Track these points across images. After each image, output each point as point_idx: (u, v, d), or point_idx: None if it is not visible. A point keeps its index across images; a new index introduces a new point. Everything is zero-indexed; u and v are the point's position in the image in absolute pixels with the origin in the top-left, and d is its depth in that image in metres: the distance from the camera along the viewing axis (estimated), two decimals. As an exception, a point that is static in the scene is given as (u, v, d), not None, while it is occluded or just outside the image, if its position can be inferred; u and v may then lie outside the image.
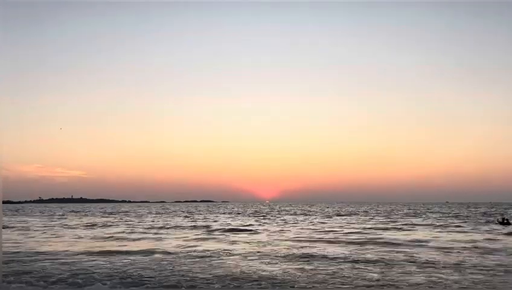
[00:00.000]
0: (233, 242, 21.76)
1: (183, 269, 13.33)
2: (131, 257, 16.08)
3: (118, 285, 11.26)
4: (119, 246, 20.22)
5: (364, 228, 31.14)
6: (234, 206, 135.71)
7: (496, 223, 35.88)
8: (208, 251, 17.97)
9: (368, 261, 14.83)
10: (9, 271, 12.87)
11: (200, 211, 79.74)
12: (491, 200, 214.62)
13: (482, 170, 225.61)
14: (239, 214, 62.51)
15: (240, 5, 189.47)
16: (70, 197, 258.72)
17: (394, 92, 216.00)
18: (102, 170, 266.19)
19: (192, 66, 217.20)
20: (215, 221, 42.02)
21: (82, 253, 17.38)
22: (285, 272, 12.80)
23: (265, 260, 15.17)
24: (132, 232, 28.28)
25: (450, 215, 55.49)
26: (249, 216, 53.58)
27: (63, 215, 60.40)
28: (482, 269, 13.30)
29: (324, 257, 16.03)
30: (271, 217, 49.66)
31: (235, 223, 38.85)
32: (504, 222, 34.66)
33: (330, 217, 51.09)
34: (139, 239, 23.69)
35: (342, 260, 15.10)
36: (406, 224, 36.02)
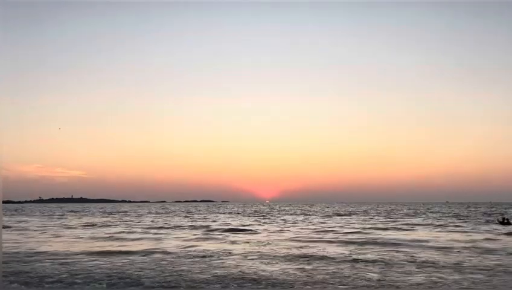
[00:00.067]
0: (233, 242, 21.74)
1: (182, 269, 13.32)
2: (131, 257, 16.06)
3: (118, 285, 11.25)
4: (118, 246, 20.20)
5: (364, 228, 31.13)
6: (234, 206, 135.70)
7: (496, 223, 35.89)
8: (208, 250, 17.96)
9: (367, 261, 14.81)
10: (9, 271, 12.85)
11: (200, 211, 79.74)
12: (491, 200, 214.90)
13: (482, 170, 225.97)
14: (239, 214, 62.50)
15: (240, 5, 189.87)
16: (70, 197, 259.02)
17: (394, 92, 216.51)
18: (102, 170, 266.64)
19: (192, 66, 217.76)
20: (215, 221, 42.01)
21: (81, 253, 17.35)
22: (285, 272, 12.79)
23: (265, 260, 15.16)
24: (132, 232, 28.27)
25: (450, 215, 55.50)
26: (249, 216, 53.57)
27: (62, 215, 60.37)
28: (482, 269, 13.29)
29: (324, 257, 16.02)
30: (271, 217, 49.66)
31: (235, 223, 38.84)
32: (504, 222, 34.65)
33: (330, 217, 51.10)
34: (138, 239, 23.67)
35: (342, 260, 15.09)
36: (405, 224, 36.03)
